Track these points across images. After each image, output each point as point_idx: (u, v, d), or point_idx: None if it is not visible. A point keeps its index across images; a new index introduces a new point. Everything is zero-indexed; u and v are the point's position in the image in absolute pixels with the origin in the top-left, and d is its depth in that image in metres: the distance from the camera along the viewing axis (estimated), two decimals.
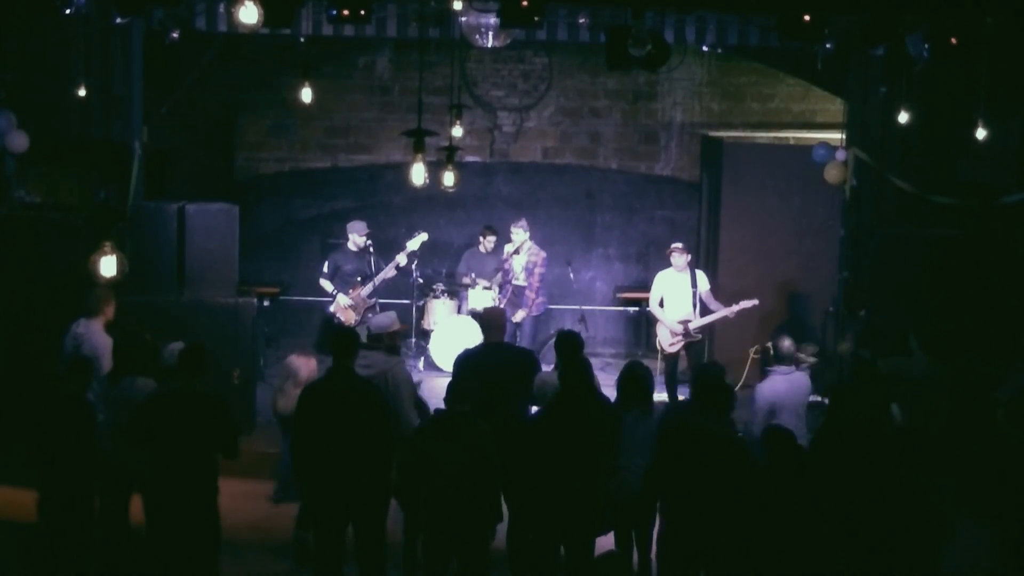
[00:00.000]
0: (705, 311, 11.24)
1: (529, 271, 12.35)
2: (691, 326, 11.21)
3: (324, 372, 7.49)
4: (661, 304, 11.35)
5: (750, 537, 6.58)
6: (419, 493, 7.19)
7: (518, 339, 12.32)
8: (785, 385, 8.28)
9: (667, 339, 11.35)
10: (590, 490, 7.02)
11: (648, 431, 7.51)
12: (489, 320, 8.64)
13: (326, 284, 12.01)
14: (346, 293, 11.89)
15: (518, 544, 7.18)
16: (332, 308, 11.93)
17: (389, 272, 12.05)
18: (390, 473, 7.22)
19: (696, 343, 11.38)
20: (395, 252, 12.23)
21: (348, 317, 11.75)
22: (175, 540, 7.05)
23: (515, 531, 7.18)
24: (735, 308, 11.12)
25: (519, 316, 12.32)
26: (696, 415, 7.24)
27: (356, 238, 11.99)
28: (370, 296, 11.98)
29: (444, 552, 7.04)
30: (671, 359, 11.43)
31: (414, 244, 12.30)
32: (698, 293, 11.23)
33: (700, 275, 11.36)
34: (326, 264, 12.13)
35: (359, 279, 11.93)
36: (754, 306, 11.18)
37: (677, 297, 11.29)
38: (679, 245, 11.38)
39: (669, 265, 11.38)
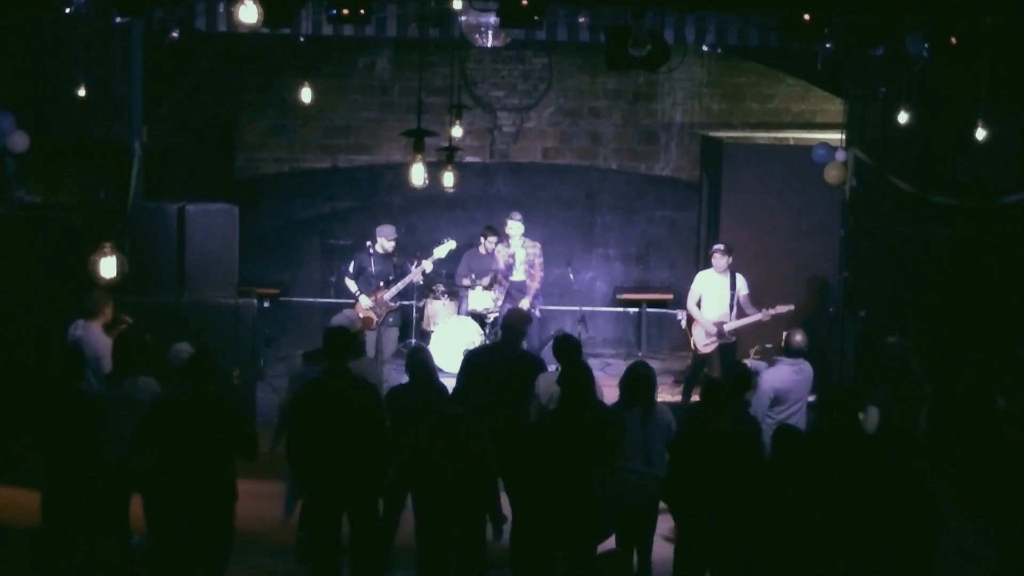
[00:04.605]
0: (741, 315, 11.23)
1: (530, 264, 12.42)
2: (726, 328, 11.21)
3: (319, 373, 7.49)
4: (698, 304, 11.36)
5: (758, 532, 6.59)
6: (404, 494, 7.21)
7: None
8: (791, 375, 8.32)
9: (702, 340, 11.34)
10: (589, 496, 7.01)
11: (651, 432, 7.52)
12: (508, 323, 8.68)
13: (351, 284, 12.02)
14: (368, 295, 11.89)
15: (521, 546, 7.18)
16: (354, 309, 11.91)
17: (415, 277, 12.07)
18: (386, 473, 7.22)
19: (729, 345, 11.36)
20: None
21: (369, 320, 11.73)
22: (189, 545, 7.02)
23: (518, 533, 7.18)
24: (771, 312, 11.11)
25: (524, 304, 12.40)
26: (701, 414, 7.25)
27: (384, 242, 11.97)
28: (392, 300, 11.97)
29: (441, 554, 7.04)
30: (700, 360, 11.43)
31: (441, 251, 12.32)
32: (736, 296, 11.23)
33: (740, 279, 11.33)
34: (351, 264, 12.13)
35: (383, 282, 11.92)
36: (789, 311, 11.16)
37: (715, 298, 11.29)
38: (721, 247, 11.39)
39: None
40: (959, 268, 10.65)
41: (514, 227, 12.53)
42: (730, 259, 11.32)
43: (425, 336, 13.16)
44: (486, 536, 7.30)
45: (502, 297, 12.61)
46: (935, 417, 8.67)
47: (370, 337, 11.45)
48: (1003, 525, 8.03)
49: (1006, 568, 7.95)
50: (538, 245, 12.64)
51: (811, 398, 10.01)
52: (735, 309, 11.26)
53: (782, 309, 11.14)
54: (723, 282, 11.29)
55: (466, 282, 12.95)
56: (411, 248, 13.12)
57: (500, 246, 12.71)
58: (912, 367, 8.63)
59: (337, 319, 8.33)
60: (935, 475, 8.28)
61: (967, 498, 8.86)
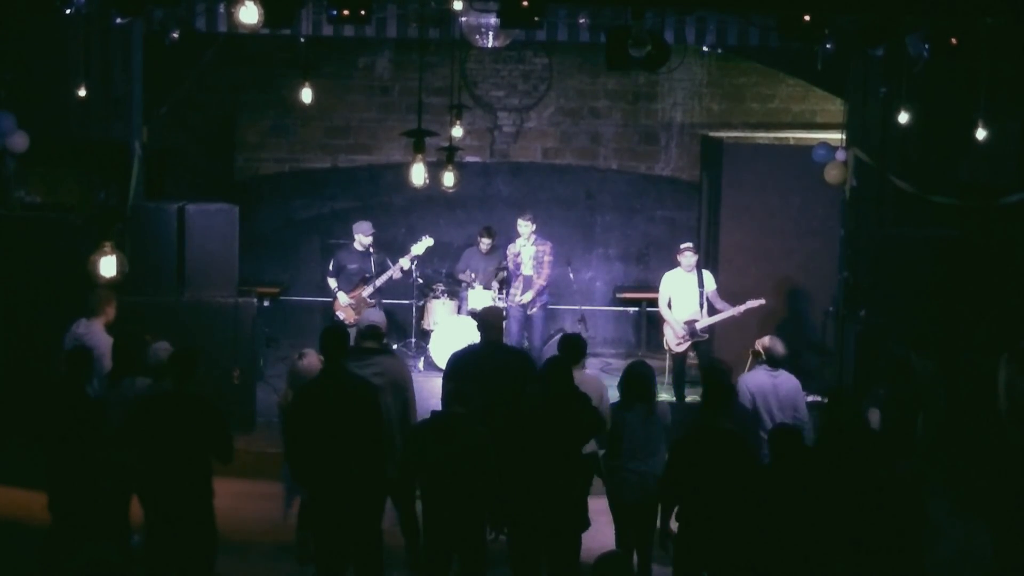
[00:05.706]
0: (712, 311, 11.27)
1: (539, 260, 12.46)
2: (697, 326, 11.25)
3: (317, 372, 7.48)
4: (669, 305, 11.39)
5: (753, 533, 6.61)
6: (413, 492, 7.20)
7: (527, 332, 12.46)
8: (768, 381, 8.22)
9: (674, 339, 11.39)
10: (568, 485, 7.01)
11: (651, 431, 7.51)
12: (486, 319, 8.62)
13: (331, 282, 12.13)
14: (348, 292, 11.97)
15: (518, 544, 7.17)
16: (333, 306, 12.04)
17: (394, 274, 12.12)
18: (386, 472, 7.21)
19: (704, 343, 11.40)
20: (395, 252, 12.24)
21: (348, 315, 11.82)
22: (171, 542, 7.03)
23: (514, 531, 7.18)
24: (742, 308, 11.16)
25: (528, 296, 12.36)
26: (701, 413, 7.26)
27: (361, 238, 12.07)
28: (371, 296, 12.02)
29: (443, 553, 7.04)
30: (678, 359, 11.46)
31: (419, 249, 12.36)
32: (704, 293, 11.27)
33: (707, 275, 11.40)
34: (331, 262, 12.25)
35: (362, 279, 11.99)
36: (761, 305, 11.20)
37: (684, 297, 11.33)
38: (690, 245, 11.46)
39: (673, 266, 11.47)
40: (959, 268, 10.65)
41: (522, 226, 12.51)
42: (697, 257, 11.39)
43: (425, 335, 13.17)
44: (486, 536, 7.30)
45: (519, 291, 12.57)
46: (936, 419, 8.66)
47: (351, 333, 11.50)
48: (1003, 526, 8.02)
49: (1006, 569, 7.95)
50: (548, 243, 12.65)
51: (816, 398, 10.01)
52: (705, 306, 11.30)
53: (753, 304, 11.19)
54: (691, 280, 11.35)
55: (464, 278, 12.99)
56: (410, 249, 13.11)
57: (512, 245, 12.68)
58: (913, 369, 8.60)
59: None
60: (934, 476, 8.30)
61: (967, 499, 8.85)
